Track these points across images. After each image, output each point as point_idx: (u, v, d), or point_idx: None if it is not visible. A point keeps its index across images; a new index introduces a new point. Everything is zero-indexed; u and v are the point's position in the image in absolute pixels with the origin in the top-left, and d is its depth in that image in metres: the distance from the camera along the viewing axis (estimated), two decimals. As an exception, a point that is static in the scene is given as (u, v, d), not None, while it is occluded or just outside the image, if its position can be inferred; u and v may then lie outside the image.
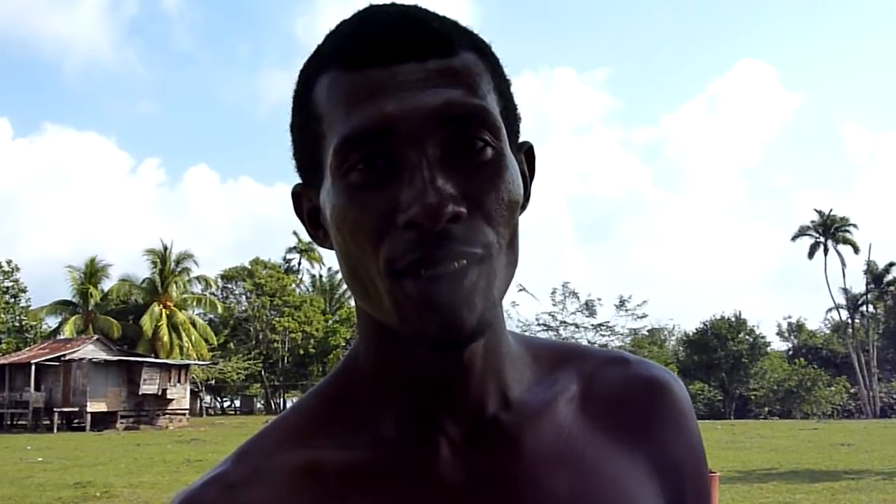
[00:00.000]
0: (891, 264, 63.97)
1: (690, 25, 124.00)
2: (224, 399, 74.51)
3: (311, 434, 0.86)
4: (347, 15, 0.83)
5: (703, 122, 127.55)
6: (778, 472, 19.21)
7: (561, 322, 55.98)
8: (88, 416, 44.61)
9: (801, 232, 63.80)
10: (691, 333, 66.30)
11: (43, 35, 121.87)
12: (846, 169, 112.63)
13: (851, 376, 60.82)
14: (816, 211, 63.61)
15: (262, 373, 63.65)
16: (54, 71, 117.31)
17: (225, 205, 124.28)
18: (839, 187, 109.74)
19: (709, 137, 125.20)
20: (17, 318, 58.14)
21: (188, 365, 51.74)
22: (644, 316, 58.73)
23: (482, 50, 0.81)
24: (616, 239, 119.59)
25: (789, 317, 73.33)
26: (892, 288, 64.58)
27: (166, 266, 58.21)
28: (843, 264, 63.26)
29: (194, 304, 60.97)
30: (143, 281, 59.43)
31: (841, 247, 62.57)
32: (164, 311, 56.42)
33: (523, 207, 0.82)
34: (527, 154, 0.87)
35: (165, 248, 58.91)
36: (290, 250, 72.29)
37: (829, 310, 69.44)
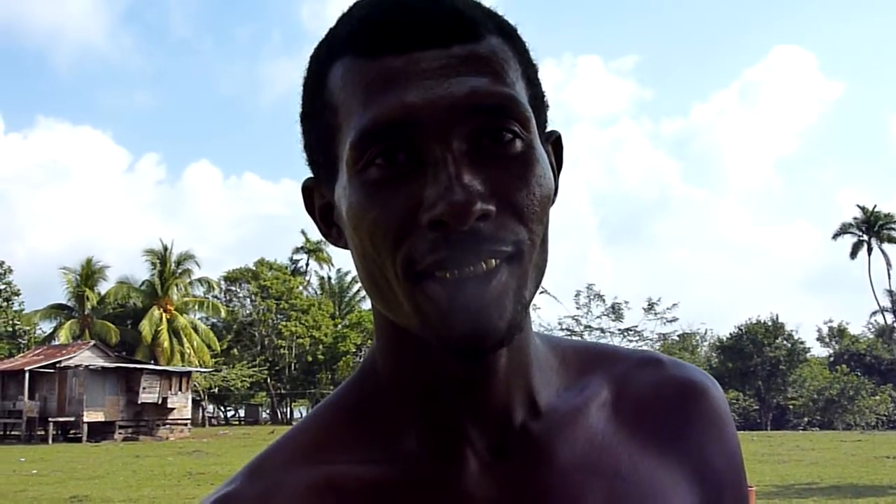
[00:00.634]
0: (939, 264, 63.54)
1: (723, 9, 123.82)
2: (228, 408, 74.70)
3: (327, 448, 0.84)
4: None
5: (736, 113, 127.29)
6: (819, 487, 19.13)
7: (585, 326, 56.14)
8: (85, 427, 44.76)
9: (843, 230, 63.53)
10: (725, 339, 66.12)
11: (31, 21, 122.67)
12: (892, 162, 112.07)
13: (897, 384, 60.45)
14: (859, 207, 63.46)
15: (268, 380, 63.80)
16: (44, 60, 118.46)
17: (228, 203, 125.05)
18: (884, 182, 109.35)
19: (743, 129, 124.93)
20: (10, 322, 58.42)
21: (190, 372, 51.81)
22: (674, 320, 58.95)
23: (509, 34, 0.79)
24: (644, 238, 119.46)
25: (830, 321, 72.85)
26: (940, 290, 64.17)
27: (166, 267, 58.50)
28: (889, 264, 62.97)
29: (196, 307, 61.25)
30: (142, 283, 59.79)
31: (886, 245, 62.37)
32: (164, 315, 56.70)
33: (552, 202, 0.81)
34: (554, 144, 0.86)
35: (165, 249, 59.31)
36: (297, 250, 72.57)
37: (874, 313, 69.28)
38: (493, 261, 0.72)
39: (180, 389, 49.47)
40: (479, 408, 0.82)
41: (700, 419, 0.90)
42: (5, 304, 58.35)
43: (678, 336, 63.34)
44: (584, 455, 0.84)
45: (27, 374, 45.64)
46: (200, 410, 61.88)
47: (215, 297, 64.59)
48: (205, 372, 56.67)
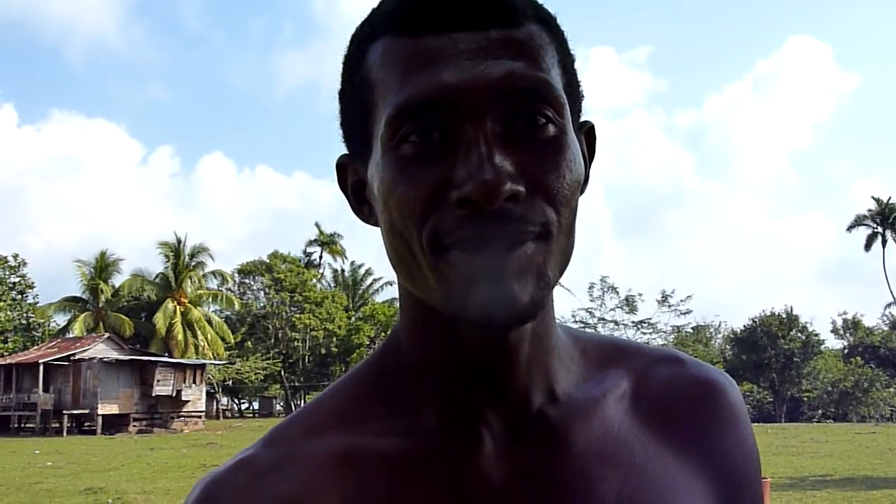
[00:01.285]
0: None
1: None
2: (242, 401, 74.89)
3: (345, 420, 0.85)
4: None
5: (750, 104, 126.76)
6: (833, 479, 19.07)
7: (599, 319, 56.03)
8: (99, 419, 45.02)
9: (858, 222, 63.27)
10: (739, 331, 66.05)
11: (44, 15, 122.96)
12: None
13: (912, 376, 60.23)
14: (874, 199, 63.16)
15: (282, 373, 63.87)
16: (58, 53, 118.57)
17: (241, 195, 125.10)
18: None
19: (756, 121, 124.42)
20: (25, 315, 58.64)
21: (204, 364, 52.02)
22: (688, 312, 58.79)
23: (548, 22, 0.80)
24: (657, 230, 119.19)
25: (845, 313, 72.53)
26: (956, 281, 63.83)
27: (180, 260, 58.58)
28: (903, 256, 62.54)
29: (210, 300, 61.39)
30: (156, 276, 59.86)
31: (901, 237, 61.92)
32: (178, 307, 56.78)
33: (582, 190, 0.82)
34: (587, 134, 0.87)
35: (179, 242, 59.35)
36: (310, 243, 72.59)
37: (888, 305, 68.87)
38: (521, 238, 0.73)
39: (194, 382, 49.63)
40: (498, 391, 0.83)
41: (719, 417, 0.91)
42: (20, 296, 58.53)
43: (692, 328, 63.10)
44: (599, 444, 0.84)
45: (42, 367, 45.97)
46: (214, 403, 62.07)
47: (229, 289, 64.74)
48: (219, 364, 56.83)
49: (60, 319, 60.86)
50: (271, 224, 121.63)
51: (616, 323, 56.42)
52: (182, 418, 48.72)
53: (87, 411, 45.65)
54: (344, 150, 0.88)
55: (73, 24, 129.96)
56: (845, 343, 71.08)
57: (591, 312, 56.77)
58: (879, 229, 62.19)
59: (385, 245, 0.81)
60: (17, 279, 58.69)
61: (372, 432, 0.84)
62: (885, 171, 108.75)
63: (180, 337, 55.79)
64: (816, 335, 63.77)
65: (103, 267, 59.16)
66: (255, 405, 74.18)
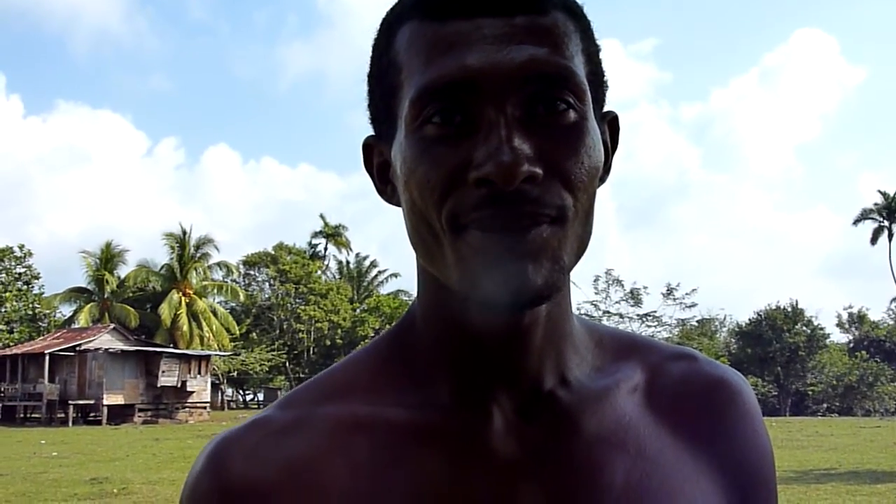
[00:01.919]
0: (961, 250, 63.07)
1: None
2: (246, 392, 75.04)
3: (360, 389, 0.87)
4: None
5: (756, 97, 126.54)
6: (837, 473, 19.05)
7: (604, 312, 55.99)
8: (105, 409, 45.08)
9: (864, 215, 63.14)
10: (744, 324, 65.91)
11: (49, 5, 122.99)
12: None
13: (917, 371, 60.12)
14: (880, 193, 62.96)
15: (287, 364, 63.96)
16: (62, 44, 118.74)
17: (247, 187, 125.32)
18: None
19: (762, 114, 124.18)
20: (30, 306, 58.73)
21: (209, 356, 52.06)
22: (693, 305, 58.85)
23: (574, 11, 0.81)
24: (663, 223, 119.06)
25: (850, 307, 72.36)
26: (962, 276, 63.68)
27: (185, 251, 58.61)
28: (909, 250, 62.48)
29: (215, 291, 61.38)
30: (162, 267, 59.89)
31: (907, 231, 61.78)
32: (183, 298, 56.85)
33: (602, 180, 0.83)
34: (610, 124, 0.88)
35: (184, 233, 59.34)
36: (315, 235, 72.54)
37: (894, 299, 68.88)
38: (537, 220, 0.74)
39: (199, 373, 49.69)
40: (510, 371, 0.84)
41: (732, 415, 0.91)
42: (25, 287, 58.62)
43: (697, 322, 63.10)
44: (609, 431, 0.85)
45: (47, 357, 46.05)
46: (219, 394, 62.24)
47: (234, 280, 64.73)
48: (224, 355, 56.96)
49: (66, 310, 61.02)
50: (276, 216, 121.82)
51: (621, 316, 56.41)
52: (187, 409, 48.77)
53: (92, 402, 45.69)
54: (370, 132, 0.89)
55: (77, 13, 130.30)
56: (850, 337, 70.93)
57: (595, 305, 56.80)
58: (885, 223, 62.04)
59: (406, 224, 0.82)
60: (23, 270, 58.79)
61: (385, 403, 0.85)
62: (891, 165, 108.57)
63: (185, 328, 55.86)
64: (822, 329, 63.72)
65: (109, 258, 59.21)
66: (260, 396, 74.16)
